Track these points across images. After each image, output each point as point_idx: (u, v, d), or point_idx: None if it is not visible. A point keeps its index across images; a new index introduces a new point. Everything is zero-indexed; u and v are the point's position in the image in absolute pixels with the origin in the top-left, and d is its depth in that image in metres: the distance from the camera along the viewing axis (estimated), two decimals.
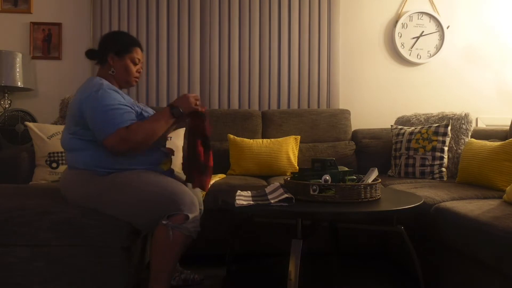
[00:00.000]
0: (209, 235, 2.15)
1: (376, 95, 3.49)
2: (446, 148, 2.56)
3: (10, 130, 2.98)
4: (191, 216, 1.58)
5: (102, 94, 1.63)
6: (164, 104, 3.19)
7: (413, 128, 2.74)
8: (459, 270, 1.69)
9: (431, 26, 3.47)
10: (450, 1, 3.52)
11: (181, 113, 1.70)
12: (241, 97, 3.28)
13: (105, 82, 1.71)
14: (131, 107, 1.70)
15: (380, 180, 1.78)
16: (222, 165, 2.84)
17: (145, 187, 1.61)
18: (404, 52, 3.46)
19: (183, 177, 1.85)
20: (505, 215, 1.50)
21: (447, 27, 3.47)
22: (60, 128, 2.57)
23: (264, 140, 2.85)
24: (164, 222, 1.56)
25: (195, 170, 1.77)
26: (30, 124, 2.56)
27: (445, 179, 2.53)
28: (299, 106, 3.31)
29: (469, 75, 3.55)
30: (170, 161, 1.86)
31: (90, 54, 1.83)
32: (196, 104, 1.74)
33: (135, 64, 1.82)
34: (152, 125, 1.66)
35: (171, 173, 1.86)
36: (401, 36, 3.46)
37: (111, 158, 1.66)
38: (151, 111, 1.87)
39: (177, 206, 1.57)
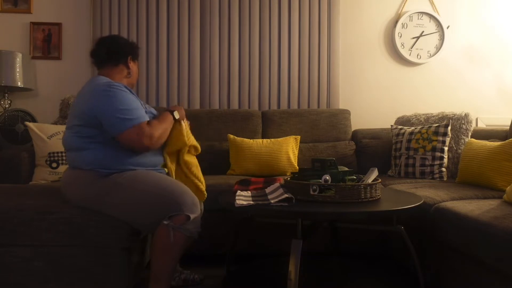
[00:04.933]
0: (209, 235, 2.15)
1: (376, 95, 3.49)
2: (446, 148, 2.56)
3: (10, 130, 2.98)
4: (192, 216, 1.58)
5: (117, 91, 1.67)
6: (164, 104, 3.20)
7: (413, 128, 2.74)
8: (459, 270, 1.69)
9: (431, 26, 3.47)
10: (450, 1, 3.52)
11: (178, 119, 1.82)
12: (241, 97, 3.28)
13: (112, 81, 1.74)
14: (143, 107, 1.77)
15: (380, 180, 1.78)
16: (222, 165, 2.84)
17: (146, 188, 1.61)
18: (404, 52, 3.46)
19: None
20: (505, 215, 1.50)
21: (447, 27, 3.47)
22: (60, 128, 2.57)
23: (264, 140, 2.85)
24: (165, 222, 1.56)
25: None
26: (30, 124, 2.56)
27: (445, 179, 2.53)
28: (299, 106, 3.31)
29: (469, 75, 3.55)
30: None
31: (108, 56, 1.85)
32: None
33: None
34: (164, 124, 1.75)
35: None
36: (401, 36, 3.46)
37: (112, 158, 1.66)
38: (154, 112, 1.89)
39: (179, 207, 1.57)
